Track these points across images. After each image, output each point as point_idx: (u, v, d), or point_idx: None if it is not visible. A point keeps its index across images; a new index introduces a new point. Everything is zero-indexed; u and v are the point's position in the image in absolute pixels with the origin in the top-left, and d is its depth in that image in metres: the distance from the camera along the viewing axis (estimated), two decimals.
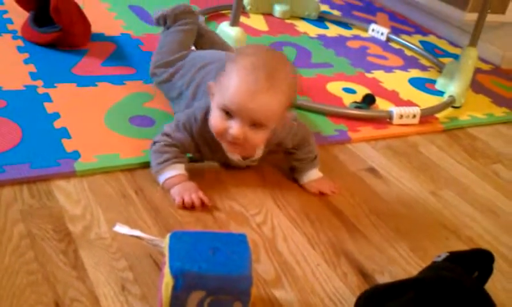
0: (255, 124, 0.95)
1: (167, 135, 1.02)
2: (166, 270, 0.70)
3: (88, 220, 0.91)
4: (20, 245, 0.84)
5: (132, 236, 0.89)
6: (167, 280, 0.69)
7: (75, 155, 1.05)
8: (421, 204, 1.14)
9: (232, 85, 0.93)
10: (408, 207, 1.12)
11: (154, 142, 1.02)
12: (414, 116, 1.44)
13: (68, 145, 1.07)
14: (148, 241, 0.88)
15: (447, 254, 0.85)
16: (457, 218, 1.12)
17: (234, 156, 1.06)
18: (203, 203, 0.98)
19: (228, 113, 0.95)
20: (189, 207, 0.97)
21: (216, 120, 0.97)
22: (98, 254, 0.85)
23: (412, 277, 0.83)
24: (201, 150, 1.06)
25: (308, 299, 0.85)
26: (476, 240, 1.07)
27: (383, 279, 0.92)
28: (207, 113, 1.01)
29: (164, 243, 0.75)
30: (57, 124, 1.13)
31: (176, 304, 0.69)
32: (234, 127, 0.95)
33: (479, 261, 0.84)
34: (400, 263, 0.97)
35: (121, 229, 0.90)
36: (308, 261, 0.92)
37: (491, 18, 1.76)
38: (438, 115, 1.52)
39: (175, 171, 1.00)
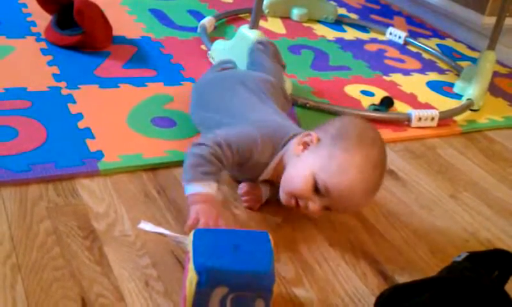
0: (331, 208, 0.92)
1: (219, 146, 0.92)
2: (190, 266, 0.71)
3: (111, 218, 0.93)
4: (46, 242, 0.86)
5: (156, 233, 0.90)
6: (191, 276, 0.70)
7: (99, 154, 1.07)
8: (440, 206, 1.15)
9: (348, 175, 0.87)
10: (427, 209, 1.13)
11: (201, 144, 0.93)
12: (432, 119, 1.44)
13: (92, 145, 1.09)
14: (171, 238, 0.89)
15: (467, 254, 0.85)
16: (476, 220, 1.13)
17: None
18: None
19: (318, 189, 0.89)
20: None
21: (303, 186, 0.89)
22: (123, 251, 0.87)
23: (432, 277, 0.84)
24: (238, 169, 1.00)
25: (328, 298, 0.86)
26: (495, 242, 1.07)
27: (402, 280, 0.92)
28: (267, 140, 0.96)
29: (188, 240, 0.76)
30: (81, 124, 1.16)
31: (199, 300, 0.71)
32: (316, 207, 0.90)
33: (499, 262, 0.84)
34: (420, 265, 0.97)
35: (146, 226, 0.91)
36: (328, 262, 0.93)
37: (509, 21, 1.75)
38: (456, 118, 1.52)
39: (208, 189, 0.90)
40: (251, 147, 0.95)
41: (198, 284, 0.70)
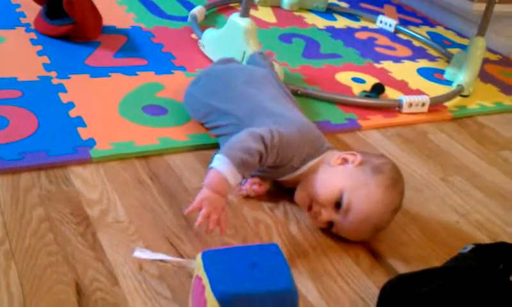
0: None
1: (272, 145, 0.91)
2: (209, 295, 0.66)
3: (104, 204, 0.93)
4: (39, 228, 0.86)
5: (153, 260, 0.83)
6: (212, 305, 0.65)
7: (91, 142, 1.07)
8: (431, 189, 1.16)
9: (372, 206, 0.90)
10: (418, 192, 1.14)
11: (261, 136, 0.91)
12: (423, 105, 1.45)
13: (84, 133, 1.09)
14: (174, 264, 0.83)
15: (473, 246, 0.87)
16: (467, 202, 1.14)
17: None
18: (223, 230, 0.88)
19: (339, 204, 0.91)
20: (200, 221, 0.84)
21: (328, 196, 0.91)
22: (116, 236, 0.87)
23: (438, 267, 0.84)
24: (268, 170, 0.98)
25: (321, 278, 0.87)
26: (485, 223, 1.08)
27: (394, 260, 0.93)
28: (310, 151, 0.98)
29: (196, 264, 0.71)
30: (73, 113, 1.15)
31: None
32: (326, 217, 0.92)
33: (504, 254, 0.85)
34: (411, 246, 0.98)
35: (142, 254, 0.83)
36: (321, 243, 0.94)
37: (499, 8, 1.76)
38: (446, 104, 1.53)
39: (232, 179, 0.87)
40: (293, 154, 0.96)
41: None
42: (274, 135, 0.93)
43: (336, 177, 0.93)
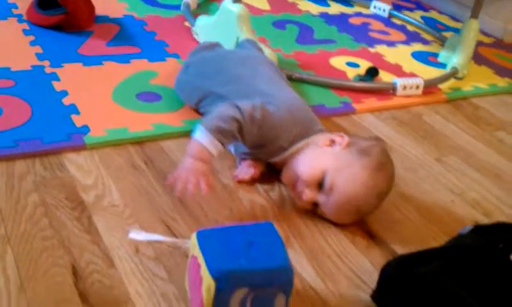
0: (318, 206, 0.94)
1: (251, 117, 0.92)
2: (204, 272, 0.66)
3: (100, 189, 0.93)
4: (34, 213, 0.86)
5: (149, 241, 0.83)
6: (208, 283, 0.65)
7: (85, 129, 1.07)
8: (426, 169, 1.16)
9: (355, 188, 0.89)
10: (412, 172, 1.14)
11: (237, 113, 0.91)
12: (417, 87, 1.45)
13: (78, 120, 1.09)
14: (169, 244, 0.83)
15: (472, 226, 0.87)
16: (462, 182, 1.14)
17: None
18: (206, 190, 0.88)
19: (322, 185, 0.90)
20: (178, 192, 0.88)
21: (312, 176, 0.91)
22: (112, 220, 0.87)
23: (438, 247, 0.84)
24: (256, 150, 0.99)
25: (317, 257, 0.87)
26: (481, 201, 1.08)
27: (389, 238, 0.94)
28: (298, 130, 0.97)
29: (191, 243, 0.71)
30: (66, 101, 1.15)
31: (219, 306, 0.66)
32: (308, 196, 0.92)
33: (503, 234, 0.85)
34: (406, 224, 0.98)
35: (138, 235, 0.83)
36: (317, 224, 0.94)
37: None
38: (441, 86, 1.53)
39: (212, 148, 0.90)
40: (280, 133, 0.96)
41: (217, 290, 0.65)
42: (256, 108, 0.93)
43: (321, 157, 0.93)
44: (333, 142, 0.95)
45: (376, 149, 0.94)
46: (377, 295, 0.79)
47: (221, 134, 0.90)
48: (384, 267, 0.80)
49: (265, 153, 1.00)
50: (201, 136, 0.90)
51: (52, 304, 0.72)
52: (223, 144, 0.91)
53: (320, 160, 0.93)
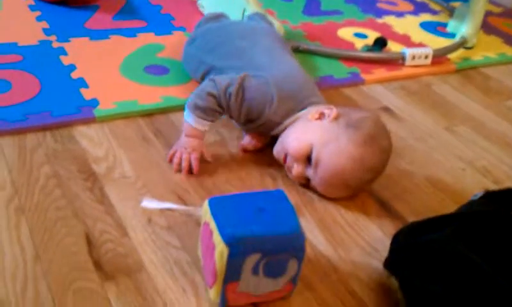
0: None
1: (229, 95, 0.93)
2: (217, 238, 0.67)
3: (111, 161, 0.94)
4: (47, 185, 0.87)
5: (161, 209, 0.84)
6: (220, 249, 0.66)
7: (94, 102, 1.07)
8: (435, 138, 1.16)
9: (341, 161, 0.87)
10: (422, 141, 1.14)
11: (213, 89, 0.93)
12: (426, 57, 1.44)
13: (87, 93, 1.09)
14: (181, 212, 0.84)
15: (483, 193, 0.86)
16: (473, 150, 1.14)
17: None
18: (196, 168, 0.93)
19: (310, 159, 0.90)
20: (175, 169, 0.93)
21: (298, 150, 0.90)
22: (124, 191, 0.88)
23: (450, 213, 0.83)
24: (249, 126, 0.99)
25: (328, 227, 0.88)
26: (491, 170, 1.08)
27: (400, 206, 0.94)
28: (284, 100, 0.95)
29: (203, 211, 0.72)
30: (74, 75, 1.15)
31: (231, 271, 0.67)
32: (297, 171, 0.91)
33: None
34: (417, 193, 0.98)
35: (150, 203, 0.85)
36: None
37: None
38: (450, 56, 1.52)
39: (199, 126, 0.94)
40: (263, 106, 0.95)
41: (230, 255, 0.65)
42: (232, 82, 0.93)
43: (309, 131, 0.91)
44: (322, 115, 0.93)
45: (367, 121, 0.90)
46: (389, 264, 0.79)
47: (199, 111, 0.93)
48: (395, 235, 0.80)
49: (261, 128, 0.98)
50: (187, 115, 0.95)
51: (67, 272, 0.73)
52: (205, 119, 0.93)
53: (308, 134, 0.91)
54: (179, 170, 0.93)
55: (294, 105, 0.97)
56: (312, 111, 0.95)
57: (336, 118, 0.91)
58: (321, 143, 0.89)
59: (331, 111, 0.93)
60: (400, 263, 0.76)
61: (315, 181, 0.91)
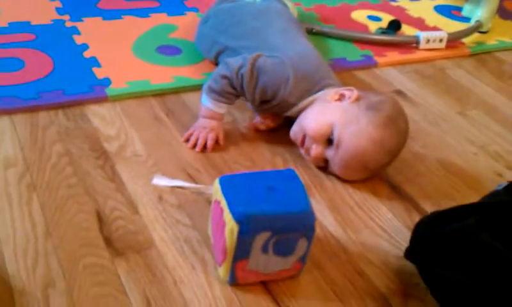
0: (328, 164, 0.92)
1: (237, 72, 0.93)
2: (227, 216, 0.67)
3: (122, 139, 0.94)
4: (59, 163, 0.87)
5: (172, 187, 0.85)
6: (231, 226, 0.66)
7: (107, 81, 1.07)
8: (448, 122, 1.15)
9: (362, 142, 0.87)
10: (435, 125, 1.13)
11: (226, 71, 0.94)
12: (441, 41, 1.42)
13: (99, 73, 1.10)
14: (192, 190, 0.85)
15: (508, 182, 0.84)
16: (485, 135, 1.12)
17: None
18: (211, 145, 0.95)
19: (331, 140, 0.89)
20: (191, 146, 0.94)
21: (319, 130, 0.90)
22: (135, 169, 0.88)
23: (473, 202, 0.81)
24: (264, 107, 0.98)
25: (338, 207, 0.88)
26: (504, 154, 1.07)
27: (411, 189, 0.94)
28: (301, 80, 0.95)
29: (214, 189, 0.72)
30: (87, 54, 1.15)
31: (241, 249, 0.67)
32: (316, 152, 0.90)
33: None
34: (429, 176, 0.98)
35: (161, 181, 0.85)
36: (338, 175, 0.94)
37: None
38: (465, 40, 1.50)
39: (216, 108, 0.96)
40: (278, 87, 0.94)
41: (240, 233, 0.66)
42: (245, 63, 0.93)
43: (329, 112, 0.91)
44: (342, 96, 0.93)
45: (387, 104, 0.91)
46: (410, 253, 0.76)
47: (215, 94, 0.95)
48: (417, 225, 0.77)
49: (275, 109, 0.98)
50: (203, 97, 0.96)
51: (78, 248, 0.74)
52: (220, 101, 0.95)
53: (328, 114, 0.91)
54: (194, 147, 0.94)
55: (310, 86, 0.96)
56: (330, 93, 0.95)
57: (357, 100, 0.91)
58: (342, 124, 0.88)
59: (351, 93, 0.92)
60: (423, 253, 0.74)
61: (334, 163, 0.90)
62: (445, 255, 0.71)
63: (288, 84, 0.94)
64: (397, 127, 0.90)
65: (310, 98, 0.96)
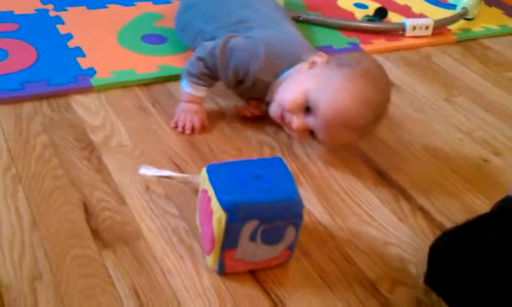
0: (314, 136, 0.90)
1: (210, 53, 0.94)
2: (214, 205, 0.67)
3: (108, 130, 0.93)
4: (44, 154, 0.86)
5: (159, 177, 0.85)
6: (218, 215, 0.66)
7: (91, 71, 1.06)
8: (434, 109, 1.15)
9: (338, 99, 0.85)
10: (421, 112, 1.13)
11: (202, 45, 0.97)
12: (427, 28, 1.42)
13: (84, 62, 1.08)
14: (179, 179, 0.84)
15: None
16: (471, 121, 1.13)
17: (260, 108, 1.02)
18: (199, 128, 0.96)
19: (309, 108, 0.88)
20: (181, 130, 0.95)
21: (294, 100, 0.89)
22: (121, 160, 0.87)
23: (488, 212, 0.80)
24: (240, 88, 0.98)
25: (325, 194, 0.88)
26: (490, 140, 1.08)
27: (398, 176, 0.94)
28: (272, 56, 0.94)
29: (201, 178, 0.71)
30: (71, 44, 1.14)
31: (229, 238, 0.67)
32: (298, 122, 0.89)
33: None
34: (415, 162, 0.98)
35: (148, 171, 0.85)
36: (324, 161, 0.95)
37: None
38: (451, 27, 1.50)
39: (196, 92, 0.97)
40: (248, 63, 0.93)
41: (228, 222, 0.65)
42: (217, 45, 0.94)
43: (302, 81, 0.89)
44: (313, 63, 0.92)
45: (359, 59, 0.90)
46: (431, 276, 0.73)
47: (192, 77, 0.96)
48: (433, 244, 0.74)
49: (254, 92, 0.98)
50: (183, 82, 0.98)
51: (65, 240, 0.73)
52: (197, 83, 0.96)
53: (301, 83, 0.89)
54: (183, 132, 0.95)
55: (284, 63, 0.95)
56: (303, 64, 0.93)
57: (328, 63, 0.90)
58: (316, 88, 0.87)
59: (321, 58, 0.92)
60: (445, 270, 0.71)
61: (317, 130, 0.88)
62: (470, 265, 0.69)
63: (259, 60, 0.93)
64: (374, 78, 0.88)
65: (285, 75, 0.94)
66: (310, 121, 0.89)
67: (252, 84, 0.95)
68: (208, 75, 0.96)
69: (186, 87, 0.97)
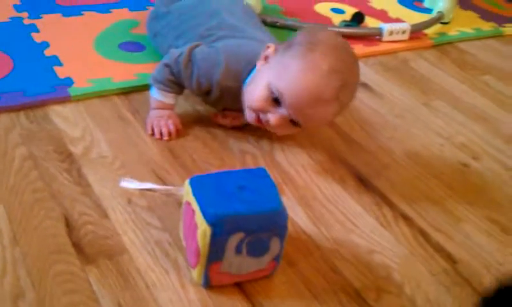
0: (296, 123, 0.89)
1: (175, 60, 0.94)
2: (199, 218, 0.66)
3: (88, 141, 0.92)
4: (23, 166, 0.85)
5: (141, 189, 0.84)
6: (203, 229, 0.65)
7: (69, 81, 1.04)
8: (414, 114, 1.16)
9: (298, 78, 0.84)
10: (400, 117, 1.14)
11: (169, 52, 0.97)
12: (404, 32, 1.44)
13: (61, 72, 1.07)
14: (162, 192, 0.83)
15: None
16: (450, 126, 1.15)
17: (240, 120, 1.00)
18: (175, 132, 0.96)
19: (277, 99, 0.87)
20: (159, 136, 0.95)
21: (259, 97, 0.88)
22: (102, 171, 0.86)
23: None
24: (205, 95, 0.98)
25: (308, 202, 0.88)
26: (469, 145, 1.09)
27: (379, 182, 0.95)
28: (233, 62, 0.94)
29: (184, 190, 0.71)
30: (48, 52, 1.12)
31: (214, 251, 0.66)
32: (274, 117, 0.88)
33: None
34: (396, 168, 0.99)
35: (130, 184, 0.84)
36: (307, 170, 0.95)
37: None
38: (427, 31, 1.52)
39: (164, 99, 0.97)
40: (211, 73, 0.93)
41: (213, 235, 0.65)
42: (183, 52, 0.94)
43: (261, 77, 0.89)
44: (265, 58, 0.92)
45: (301, 36, 0.89)
46: None
47: (160, 83, 0.96)
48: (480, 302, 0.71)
49: (228, 102, 0.97)
50: (152, 89, 0.98)
51: (47, 255, 0.71)
52: (165, 90, 0.96)
53: (261, 79, 0.89)
54: (161, 138, 0.95)
55: (246, 67, 0.94)
56: (258, 63, 0.93)
57: (276, 50, 0.91)
58: (274, 77, 0.86)
59: (270, 48, 0.92)
60: None
61: (293, 116, 0.87)
62: None
63: (220, 68, 0.93)
64: (325, 43, 0.86)
65: (249, 78, 0.94)
66: (283, 111, 0.87)
67: (220, 93, 0.95)
68: (175, 82, 0.96)
69: (155, 94, 0.97)
